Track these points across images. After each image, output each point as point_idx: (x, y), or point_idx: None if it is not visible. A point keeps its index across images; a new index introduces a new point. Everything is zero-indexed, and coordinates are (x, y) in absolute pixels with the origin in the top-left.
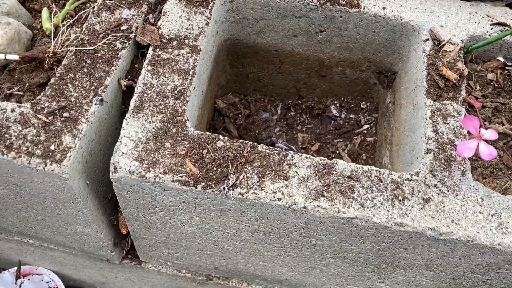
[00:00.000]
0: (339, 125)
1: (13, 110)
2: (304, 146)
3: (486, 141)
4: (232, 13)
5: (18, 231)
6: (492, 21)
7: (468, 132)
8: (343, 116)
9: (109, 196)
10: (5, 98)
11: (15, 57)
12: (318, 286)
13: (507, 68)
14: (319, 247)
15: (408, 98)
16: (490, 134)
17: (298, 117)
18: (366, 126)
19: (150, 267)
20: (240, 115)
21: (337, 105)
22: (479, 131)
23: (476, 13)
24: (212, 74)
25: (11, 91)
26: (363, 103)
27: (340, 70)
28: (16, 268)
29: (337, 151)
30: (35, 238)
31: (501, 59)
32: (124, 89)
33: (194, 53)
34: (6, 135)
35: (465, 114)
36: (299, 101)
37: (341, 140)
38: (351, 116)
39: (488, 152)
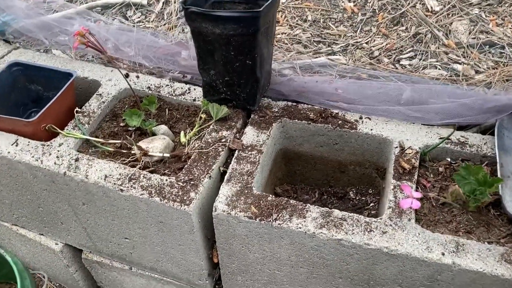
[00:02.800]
0: (355, 204)
1: (166, 180)
2: None
3: (416, 198)
4: (284, 133)
5: (150, 266)
6: (440, 136)
7: (406, 194)
8: (357, 198)
9: (209, 236)
10: (162, 175)
11: (168, 155)
12: None
13: (451, 165)
14: (329, 267)
15: (387, 181)
16: (417, 194)
17: (329, 199)
18: (371, 204)
19: None
20: (290, 197)
21: (354, 191)
22: (411, 192)
23: (430, 131)
24: (272, 169)
25: (165, 171)
26: (370, 189)
27: (353, 168)
28: None
29: None
30: (159, 272)
31: (448, 159)
32: (222, 172)
33: (259, 154)
34: (162, 191)
35: (416, 188)
36: (329, 188)
37: (356, 213)
38: (363, 198)
39: (416, 204)
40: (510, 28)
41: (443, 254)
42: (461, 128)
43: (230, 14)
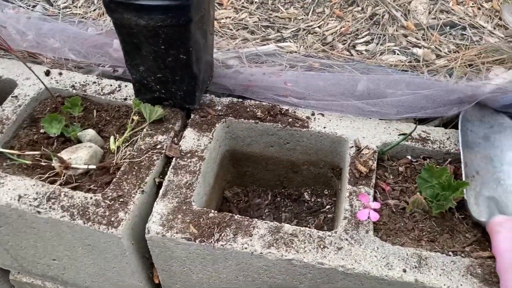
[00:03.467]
0: (310, 206)
1: (91, 198)
2: (286, 223)
3: (374, 209)
4: (230, 133)
5: (86, 286)
6: (399, 132)
7: (363, 205)
8: (313, 200)
9: (147, 255)
10: (87, 191)
11: (93, 166)
12: None
13: (412, 163)
14: (281, 287)
15: (342, 186)
16: (375, 204)
17: (282, 201)
18: (327, 207)
19: None
20: (241, 201)
21: (309, 192)
22: (369, 203)
23: (389, 127)
24: (219, 173)
25: (90, 187)
26: (326, 190)
27: (306, 168)
28: None
29: (308, 225)
30: None
31: (409, 157)
32: (157, 184)
33: (200, 161)
34: (86, 212)
35: (374, 194)
36: (282, 190)
37: (311, 217)
38: (318, 199)
39: (374, 215)
40: (471, 6)
41: (404, 271)
42: (421, 121)
43: (156, 3)
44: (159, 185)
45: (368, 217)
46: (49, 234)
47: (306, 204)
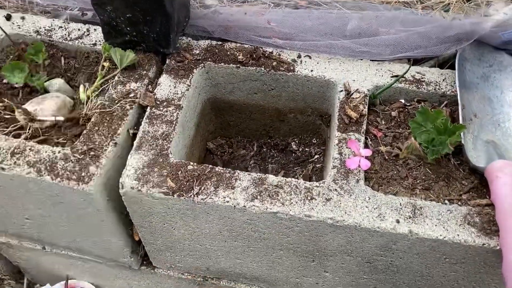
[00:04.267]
0: (298, 156)
1: (59, 152)
2: (273, 174)
3: (365, 157)
4: (209, 80)
5: (64, 245)
6: (392, 74)
7: (353, 152)
8: (300, 149)
9: (125, 212)
10: (55, 144)
11: (61, 118)
12: (284, 280)
13: (406, 107)
14: (267, 240)
15: (331, 133)
16: (366, 152)
17: (268, 152)
18: (316, 156)
19: (162, 272)
20: (225, 153)
21: (296, 141)
22: (359, 150)
23: (381, 69)
24: (200, 123)
25: (58, 140)
26: (314, 139)
27: (293, 116)
28: (64, 282)
29: (296, 176)
30: (77, 251)
31: (402, 101)
32: (131, 135)
33: (178, 110)
34: (54, 168)
35: (365, 140)
36: (269, 140)
37: (299, 167)
38: (306, 149)
39: (365, 164)
40: None
41: (397, 221)
42: (416, 62)
43: None
44: (134, 137)
45: (359, 166)
46: (17, 192)
47: (293, 154)
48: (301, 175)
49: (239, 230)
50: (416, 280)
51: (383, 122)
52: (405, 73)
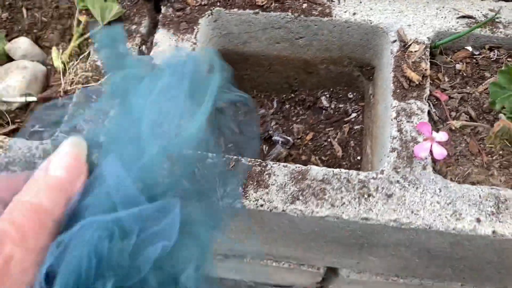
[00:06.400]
0: (330, 114)
1: (37, 148)
2: (299, 136)
3: (439, 142)
4: (218, 30)
5: None
6: (458, 14)
7: (424, 137)
8: (332, 106)
9: None
10: (30, 136)
11: (34, 98)
12: (319, 259)
13: (474, 57)
14: (309, 235)
15: (381, 96)
16: (441, 136)
17: (292, 109)
18: (353, 115)
19: None
20: (239, 112)
21: (327, 96)
22: (431, 134)
23: (443, 7)
24: None
25: (34, 128)
26: (350, 93)
27: (325, 67)
28: None
29: (329, 140)
30: None
31: (469, 49)
32: None
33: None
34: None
35: (428, 111)
36: (292, 95)
37: (332, 128)
38: (340, 105)
39: (440, 152)
40: None
41: (478, 220)
42: None
43: None
44: None
45: (431, 154)
46: None
47: (324, 111)
48: (335, 139)
49: (274, 228)
50: (481, 265)
51: (446, 79)
52: (494, 16)
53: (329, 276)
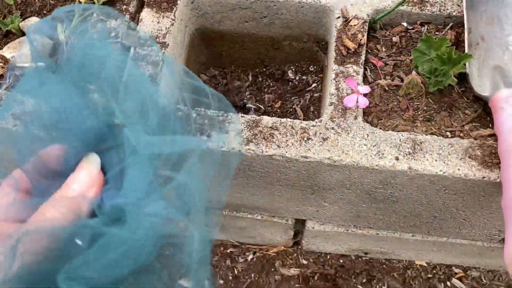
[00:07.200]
0: (295, 85)
1: None
2: (269, 105)
3: (364, 94)
4: (196, 10)
5: None
6: None
7: (351, 89)
8: (297, 78)
9: None
10: None
11: (43, 64)
12: (284, 209)
13: (408, 31)
14: (265, 178)
15: (329, 65)
16: (364, 89)
17: (264, 82)
18: (314, 85)
19: None
20: (219, 84)
21: (293, 69)
22: (357, 88)
23: None
24: (190, 57)
25: None
26: (311, 66)
27: (288, 43)
28: None
29: (294, 107)
30: None
31: (405, 24)
32: None
33: (163, 48)
34: None
35: (364, 71)
36: (264, 69)
37: (296, 97)
38: (304, 77)
39: (363, 102)
40: None
41: (397, 158)
42: None
43: None
44: None
45: (356, 104)
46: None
47: (290, 83)
48: (298, 105)
49: (236, 170)
50: (415, 207)
51: (384, 49)
52: None
53: (300, 231)
